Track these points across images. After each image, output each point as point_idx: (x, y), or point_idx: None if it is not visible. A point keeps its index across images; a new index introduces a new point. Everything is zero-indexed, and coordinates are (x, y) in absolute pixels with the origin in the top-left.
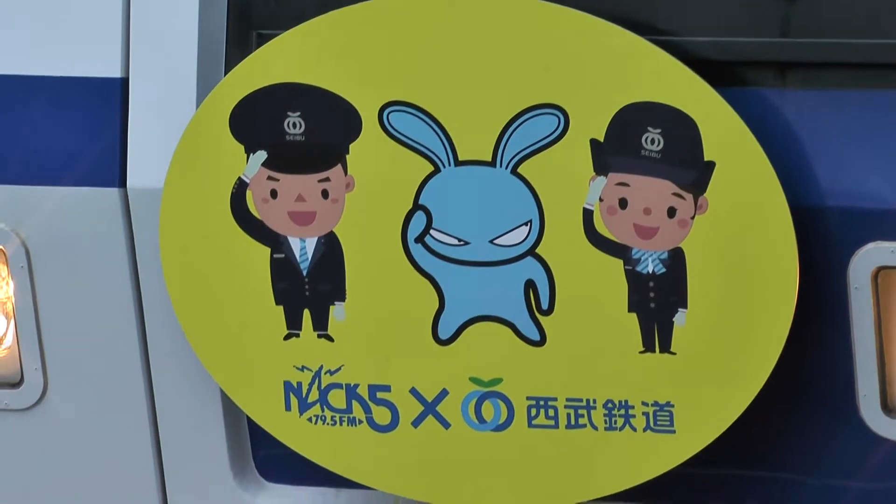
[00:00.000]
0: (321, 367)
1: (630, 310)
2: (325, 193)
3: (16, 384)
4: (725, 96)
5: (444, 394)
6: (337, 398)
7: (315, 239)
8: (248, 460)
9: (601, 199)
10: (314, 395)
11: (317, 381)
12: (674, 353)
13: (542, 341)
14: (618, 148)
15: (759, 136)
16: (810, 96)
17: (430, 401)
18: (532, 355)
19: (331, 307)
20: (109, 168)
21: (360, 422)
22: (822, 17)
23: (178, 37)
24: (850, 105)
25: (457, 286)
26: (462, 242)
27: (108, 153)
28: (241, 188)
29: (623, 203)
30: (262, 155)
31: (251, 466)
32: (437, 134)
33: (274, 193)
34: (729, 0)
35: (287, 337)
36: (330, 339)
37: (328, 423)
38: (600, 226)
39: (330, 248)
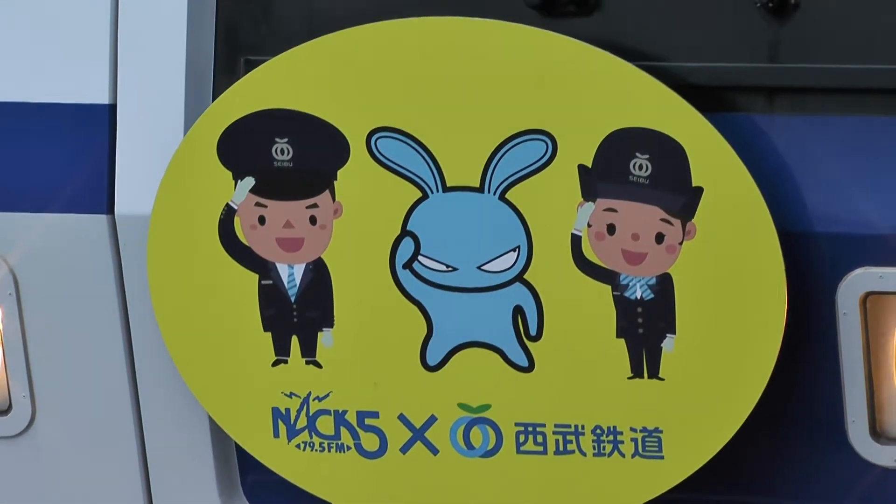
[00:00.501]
0: (309, 394)
1: (618, 335)
2: (313, 220)
3: (4, 411)
4: (714, 122)
5: (432, 420)
6: (325, 424)
7: (303, 265)
8: (236, 486)
9: (589, 225)
10: (302, 422)
11: (305, 407)
12: (662, 379)
13: (530, 367)
14: (606, 173)
15: (747, 162)
16: (799, 122)
17: (418, 427)
18: (520, 381)
19: (319, 334)
20: (97, 194)
21: (349, 448)
22: (810, 43)
23: (166, 63)
24: (840, 130)
25: (445, 312)
26: (450, 268)
27: (95, 179)
28: (228, 215)
29: (611, 229)
30: (249, 181)
31: (239, 493)
32: (424, 160)
33: (262, 220)
34: (717, 26)
35: (275, 363)
36: (318, 365)
37: (316, 450)
38: (588, 251)
39: (318, 275)
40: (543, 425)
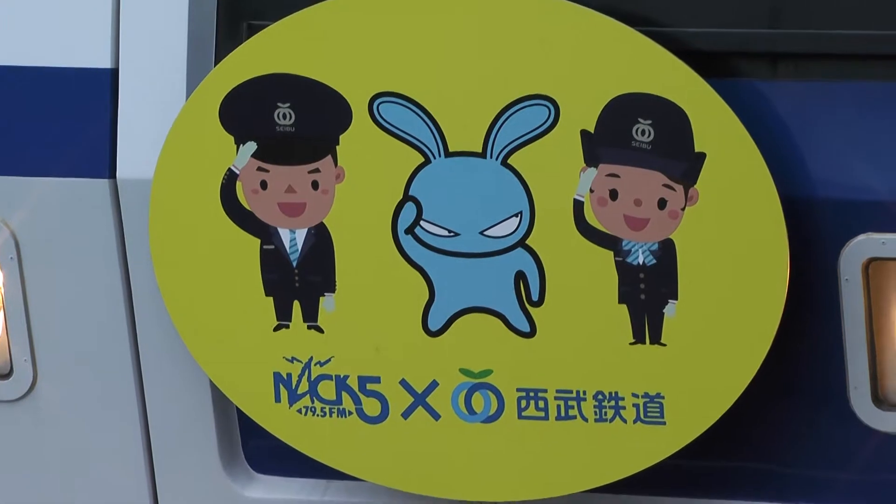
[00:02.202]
0: (311, 359)
1: (620, 301)
2: (315, 185)
3: (5, 375)
4: (716, 87)
5: (433, 385)
6: (327, 389)
7: (305, 230)
8: (237, 452)
9: (591, 191)
10: (304, 387)
11: (307, 372)
12: (664, 345)
13: (532, 333)
14: (608, 139)
15: (749, 128)
16: (802, 87)
17: (419, 392)
18: (522, 347)
19: (321, 298)
20: (99, 159)
21: (350, 413)
22: (813, 7)
23: (168, 27)
24: (842, 96)
25: (447, 277)
26: (452, 234)
27: (97, 144)
28: (230, 179)
29: (613, 194)
30: (251, 146)
31: (241, 458)
32: (427, 125)
33: (264, 185)
34: None
35: (277, 328)
36: (320, 330)
37: (318, 415)
38: (591, 217)
39: (320, 240)
40: (545, 391)
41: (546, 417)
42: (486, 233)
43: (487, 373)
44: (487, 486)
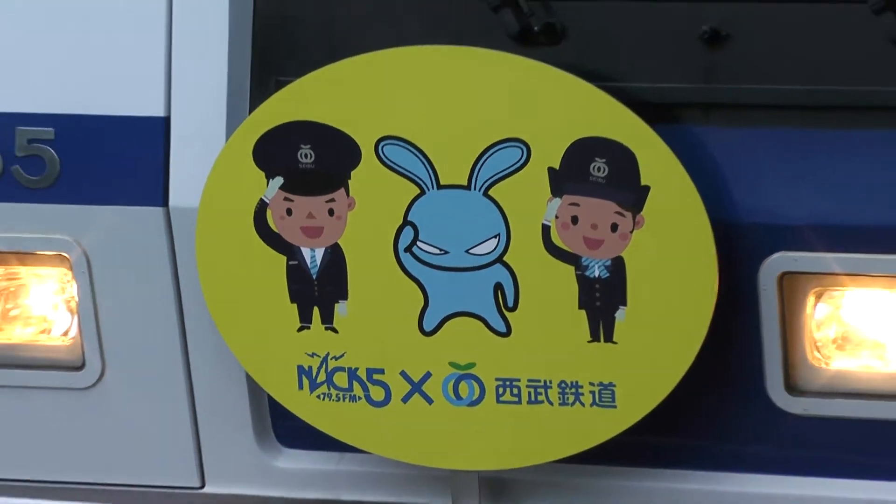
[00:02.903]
0: (328, 354)
1: (580, 307)
2: (331, 212)
3: (79, 367)
4: (659, 132)
5: (427, 375)
6: (340, 379)
7: (323, 249)
8: (268, 430)
9: (556, 217)
10: (322, 377)
11: (324, 365)
12: (616, 343)
13: (508, 333)
14: (570, 174)
15: (685, 164)
16: (729, 131)
17: (416, 381)
18: (500, 344)
19: (336, 305)
20: (155, 190)
21: (360, 398)
22: (737, 67)
23: (211, 83)
24: (761, 139)
25: (438, 287)
26: (443, 251)
27: (153, 178)
28: (262, 207)
29: (574, 220)
30: (279, 180)
31: (271, 435)
32: (422, 163)
33: (289, 212)
34: (663, 53)
35: (300, 329)
36: (335, 331)
37: (333, 400)
38: (556, 238)
39: (335, 257)
40: (518, 380)
41: (519, 402)
42: (470, 251)
43: (471, 365)
44: (472, 458)
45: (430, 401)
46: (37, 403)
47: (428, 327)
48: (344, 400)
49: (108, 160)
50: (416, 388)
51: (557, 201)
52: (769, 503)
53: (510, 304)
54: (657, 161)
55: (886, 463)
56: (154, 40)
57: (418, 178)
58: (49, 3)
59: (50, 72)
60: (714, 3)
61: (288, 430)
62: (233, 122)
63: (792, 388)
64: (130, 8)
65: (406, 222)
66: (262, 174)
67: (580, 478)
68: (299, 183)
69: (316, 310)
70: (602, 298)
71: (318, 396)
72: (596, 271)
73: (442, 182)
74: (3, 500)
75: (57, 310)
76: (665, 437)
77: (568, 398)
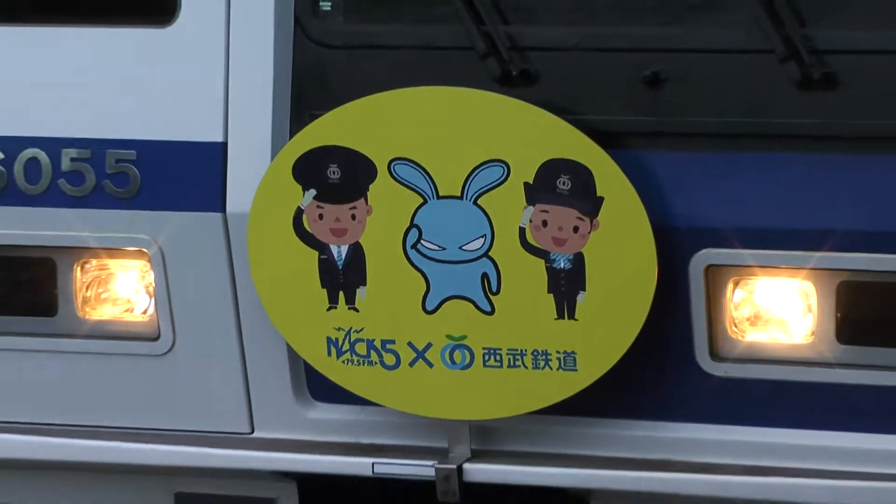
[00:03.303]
0: (350, 328)
1: (548, 292)
2: (353, 217)
3: (155, 339)
4: (611, 154)
5: (429, 346)
6: (361, 348)
7: (347, 246)
8: (303, 388)
9: (531, 221)
10: (346, 346)
11: (347, 337)
12: (577, 320)
13: (492, 312)
14: (542, 188)
15: (632, 180)
16: (666, 155)
17: (420, 349)
18: (486, 321)
19: (357, 290)
20: (216, 199)
21: (375, 363)
22: (674, 104)
23: (259, 115)
24: (692, 160)
25: (438, 276)
26: (441, 248)
27: (214, 190)
28: (299, 213)
29: (545, 223)
30: (312, 192)
31: (306, 392)
32: (425, 179)
33: (320, 217)
34: (613, 92)
35: (329, 309)
36: (356, 310)
37: (355, 364)
38: (530, 238)
39: (356, 252)
40: (500, 349)
41: (501, 367)
42: (463, 248)
43: (463, 338)
44: (464, 410)
45: (430, 365)
46: (121, 367)
47: (429, 307)
48: (363, 364)
49: (178, 175)
50: (420, 355)
51: (531, 209)
52: (698, 446)
53: (494, 289)
54: (609, 177)
55: (789, 414)
56: (215, 82)
57: (422, 190)
58: (132, 51)
59: (132, 105)
60: (652, 53)
61: (319, 387)
62: (276, 147)
63: (715, 355)
64: (198, 58)
65: (412, 225)
66: (300, 187)
67: (548, 425)
68: (328, 194)
69: (341, 294)
70: (566, 285)
71: (343, 361)
72: (561, 264)
73: (441, 193)
74: (95, 442)
75: (138, 293)
76: (615, 394)
77: (539, 363)
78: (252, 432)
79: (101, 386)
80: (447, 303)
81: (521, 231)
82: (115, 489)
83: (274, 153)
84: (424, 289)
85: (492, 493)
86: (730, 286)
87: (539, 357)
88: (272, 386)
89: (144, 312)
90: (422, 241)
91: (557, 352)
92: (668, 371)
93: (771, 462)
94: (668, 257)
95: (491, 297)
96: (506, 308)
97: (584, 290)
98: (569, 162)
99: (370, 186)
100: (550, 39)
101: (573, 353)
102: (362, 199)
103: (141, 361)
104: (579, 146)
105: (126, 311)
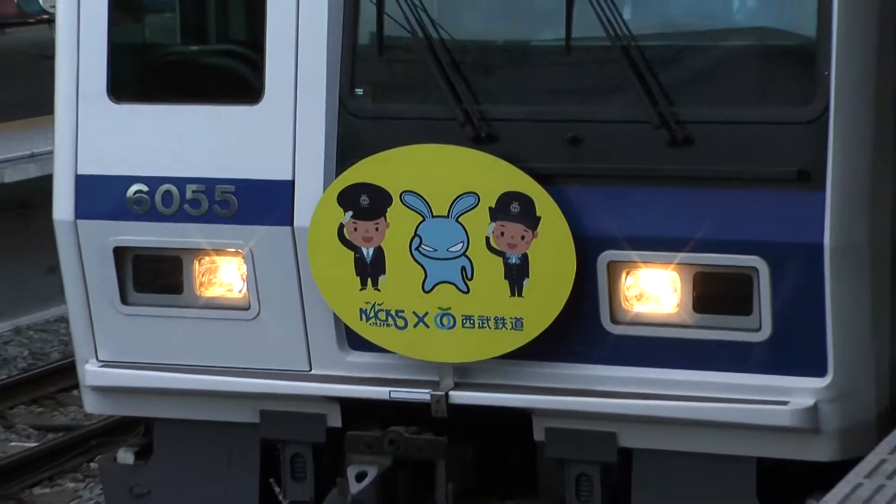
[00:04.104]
0: (374, 302)
1: (504, 278)
2: (377, 229)
3: (247, 309)
4: (546, 189)
5: (426, 314)
6: (381, 315)
7: (372, 248)
8: (344, 341)
9: (493, 232)
10: (372, 314)
11: (373, 308)
12: (523, 297)
13: (468, 292)
14: (500, 210)
15: (559, 206)
16: (583, 189)
17: (421, 315)
18: (464, 298)
19: (379, 277)
20: (287, 217)
21: (391, 325)
22: (586, 155)
23: (315, 162)
24: (600, 192)
25: (432, 268)
26: (434, 250)
27: (286, 211)
28: (341, 227)
29: (502, 234)
30: (350, 213)
31: (346, 343)
32: (424, 204)
33: (355, 229)
34: (547, 147)
35: (360, 290)
36: (378, 290)
37: (378, 326)
38: (493, 243)
39: (378, 252)
40: (473, 316)
41: (474, 328)
42: (448, 249)
43: (449, 308)
44: (448, 355)
45: (427, 326)
46: (224, 327)
47: (427, 289)
48: (383, 326)
49: (262, 202)
50: (420, 319)
51: (493, 224)
52: (603, 380)
53: (469, 277)
54: (545, 203)
55: (662, 358)
56: (286, 140)
57: (422, 211)
58: (234, 120)
59: (233, 155)
60: (572, 123)
61: (354, 341)
62: (327, 183)
63: (614, 320)
64: (275, 124)
65: (415, 234)
66: (342, 210)
67: (505, 366)
68: (360, 214)
69: (369, 280)
70: (516, 274)
71: (370, 324)
72: (513, 260)
73: (434, 214)
74: (208, 377)
75: (235, 279)
76: (548, 345)
77: (499, 325)
78: (310, 370)
79: (211, 340)
80: (438, 286)
81: (487, 239)
82: (221, 408)
83: (325, 187)
84: (423, 276)
85: (468, 412)
86: (623, 275)
87: (498, 321)
88: (323, 340)
89: (240, 292)
90: (422, 245)
91: (510, 318)
92: (583, 330)
93: (651, 390)
94: (582, 256)
95: (467, 282)
96: (476, 289)
97: (528, 277)
98: (518, 193)
99: (388, 209)
100: (506, 114)
101: (521, 318)
102: (382, 218)
103: (237, 324)
104: (525, 183)
105: (227, 290)
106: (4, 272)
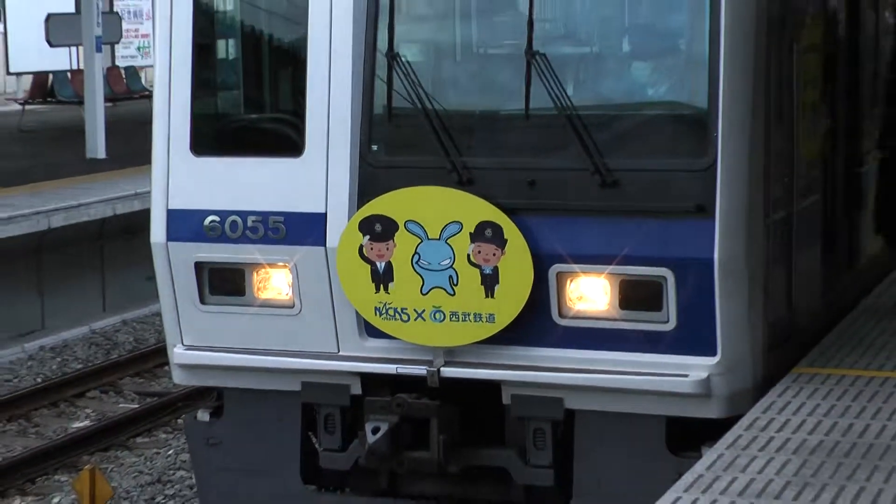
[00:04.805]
0: (385, 302)
1: (481, 285)
2: (387, 249)
3: (292, 307)
4: (512, 219)
5: (423, 310)
6: (391, 311)
7: (384, 262)
8: (363, 330)
9: (472, 251)
10: (383, 310)
11: (385, 306)
12: (495, 299)
13: (454, 294)
14: (478, 234)
15: (521, 232)
16: (539, 219)
17: (419, 312)
18: (451, 299)
19: (389, 284)
20: (321, 239)
21: (398, 319)
22: (542, 194)
23: (342, 200)
24: (551, 222)
25: (428, 277)
26: (429, 264)
27: (320, 234)
28: (360, 247)
29: (479, 252)
30: (367, 237)
31: (364, 332)
32: (422, 230)
33: (371, 248)
34: (514, 187)
35: (375, 292)
36: (388, 293)
37: (388, 319)
38: (472, 259)
39: (388, 266)
40: (458, 312)
41: (458, 321)
42: (440, 263)
43: (440, 307)
44: (440, 341)
45: (424, 320)
46: (275, 321)
47: (424, 292)
48: (392, 320)
49: (303, 228)
50: (419, 315)
51: (473, 245)
52: (553, 359)
53: (455, 283)
54: (510, 230)
55: (596, 343)
56: (320, 184)
57: (420, 235)
58: (283, 169)
59: (281, 195)
60: (529, 170)
61: (371, 330)
62: (350, 214)
63: (561, 315)
64: (313, 172)
65: (416, 252)
66: (361, 234)
67: (481, 349)
68: (375, 238)
69: (381, 286)
70: (489, 282)
71: (382, 318)
72: (487, 271)
73: (429, 237)
74: (263, 357)
75: (283, 285)
76: (513, 334)
77: (477, 319)
78: (338, 352)
79: (265, 330)
80: (432, 290)
81: (468, 255)
82: (273, 380)
83: (349, 218)
84: (421, 283)
85: (454, 383)
86: (567, 282)
87: (476, 316)
88: (348, 330)
89: (286, 295)
90: (420, 260)
91: (485, 314)
92: (538, 322)
93: (588, 367)
94: (537, 268)
95: (453, 287)
96: (460, 293)
97: (499, 284)
98: (491, 222)
99: (395, 234)
100: (482, 164)
101: (493, 314)
102: (391, 240)
103: (284, 318)
104: (496, 214)
105: (277, 294)
106: (115, 279)
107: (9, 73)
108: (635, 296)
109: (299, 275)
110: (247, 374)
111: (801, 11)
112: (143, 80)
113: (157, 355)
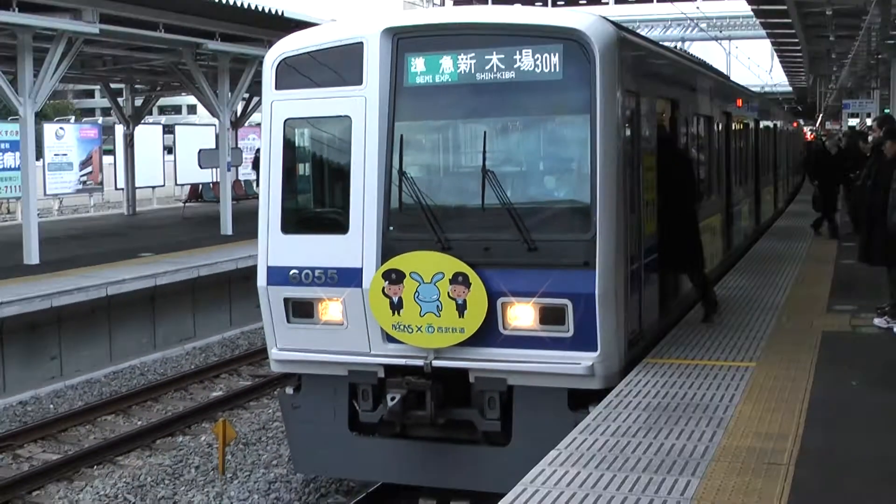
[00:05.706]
0: (400, 321)
1: (455, 310)
2: (400, 288)
3: (342, 324)
4: (476, 271)
5: (421, 326)
6: (402, 327)
7: (397, 297)
8: (385, 338)
9: (450, 290)
10: (398, 326)
11: (399, 323)
12: (464, 318)
13: (440, 316)
14: (454, 280)
15: (481, 279)
16: (491, 272)
17: (419, 327)
18: (438, 318)
19: (401, 309)
20: (359, 282)
21: (406, 332)
22: (492, 255)
23: (372, 259)
24: (498, 274)
25: (424, 306)
26: (425, 298)
27: (359, 281)
28: (383, 288)
29: (455, 290)
30: (387, 282)
31: (386, 339)
32: (420, 278)
33: (389, 288)
34: (474, 252)
35: (392, 314)
36: (400, 315)
37: (401, 332)
38: (450, 295)
39: (400, 299)
40: (443, 327)
41: (443, 333)
42: (431, 297)
43: (432, 324)
44: (432, 343)
45: (422, 332)
46: (332, 332)
47: (421, 315)
48: (403, 332)
49: (349, 276)
50: (419, 329)
51: (451, 286)
52: (500, 355)
53: (440, 309)
54: (473, 277)
55: (528, 344)
56: (358, 250)
57: (419, 281)
58: (334, 244)
59: (332, 258)
60: (487, 241)
61: (390, 338)
62: (377, 268)
63: (504, 327)
64: (354, 246)
65: (416, 291)
66: (383, 280)
67: (456, 349)
68: (391, 282)
69: (396, 311)
70: (461, 308)
71: (397, 331)
72: (460, 302)
73: (425, 282)
74: (321, 355)
75: (337, 312)
76: (475, 340)
77: (453, 331)
78: (370, 351)
79: (326, 339)
80: (427, 313)
81: (448, 293)
82: (331, 369)
83: (376, 270)
84: (420, 309)
85: (440, 370)
86: (509, 308)
87: (453, 329)
88: (376, 338)
89: (339, 317)
90: (419, 296)
91: (458, 328)
92: (490, 333)
93: (521, 359)
94: (490, 300)
95: (440, 312)
96: (444, 315)
97: (466, 309)
98: (462, 272)
99: (404, 280)
100: (456, 237)
101: (463, 328)
102: (402, 284)
103: (337, 332)
104: (465, 268)
105: (333, 317)
106: (239, 308)
107: (176, 184)
108: (549, 316)
109: (346, 305)
110: (315, 365)
111: (643, 150)
112: (254, 187)
113: (261, 353)
